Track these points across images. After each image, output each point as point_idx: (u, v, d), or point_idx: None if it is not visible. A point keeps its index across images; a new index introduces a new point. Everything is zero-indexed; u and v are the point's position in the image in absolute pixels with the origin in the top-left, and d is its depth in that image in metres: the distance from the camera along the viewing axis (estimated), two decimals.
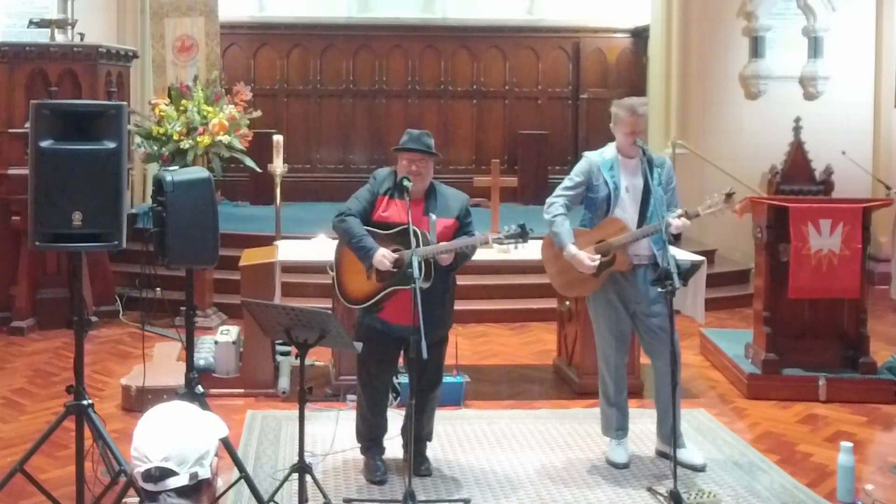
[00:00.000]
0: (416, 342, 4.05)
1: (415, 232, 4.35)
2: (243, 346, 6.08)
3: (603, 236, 4.74)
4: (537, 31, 12.33)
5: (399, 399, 5.49)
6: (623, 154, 4.82)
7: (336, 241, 4.73)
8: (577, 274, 4.83)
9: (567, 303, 6.27)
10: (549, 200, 4.90)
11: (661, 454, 4.97)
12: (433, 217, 4.46)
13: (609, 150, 4.87)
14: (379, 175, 4.68)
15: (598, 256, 4.72)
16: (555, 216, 4.82)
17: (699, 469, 4.78)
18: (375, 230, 4.53)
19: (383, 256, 4.43)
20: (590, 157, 4.92)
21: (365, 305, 4.56)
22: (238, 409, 5.67)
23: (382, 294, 4.50)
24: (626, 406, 4.98)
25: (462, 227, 4.61)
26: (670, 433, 4.66)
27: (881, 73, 10.15)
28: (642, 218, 4.76)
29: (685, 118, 10.14)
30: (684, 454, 4.82)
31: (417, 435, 4.61)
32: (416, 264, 4.20)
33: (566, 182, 4.92)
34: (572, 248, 4.75)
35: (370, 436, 4.76)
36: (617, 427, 4.93)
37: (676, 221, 4.66)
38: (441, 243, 4.48)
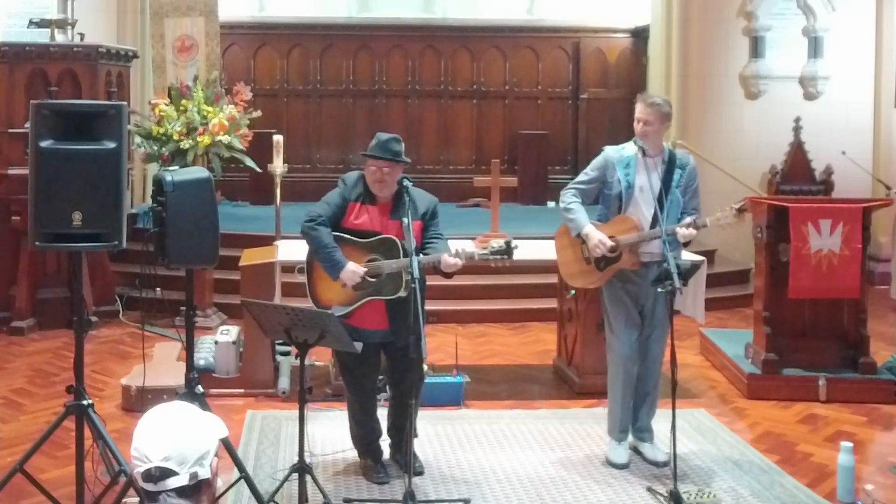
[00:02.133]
0: (416, 342, 4.06)
1: (392, 244, 4.38)
2: (243, 346, 6.08)
3: (613, 233, 4.76)
4: (537, 31, 12.33)
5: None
6: (643, 152, 4.81)
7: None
8: (582, 265, 4.88)
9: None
10: (562, 192, 4.95)
11: (631, 447, 5.02)
12: (406, 221, 4.36)
13: (630, 147, 4.86)
14: (349, 180, 4.61)
15: (610, 242, 4.72)
16: (569, 204, 4.86)
17: (661, 465, 4.82)
18: (352, 238, 4.50)
19: (353, 272, 4.41)
20: (608, 153, 4.92)
21: (340, 315, 4.45)
22: (238, 409, 5.68)
23: (357, 305, 4.48)
24: (631, 406, 4.98)
25: (426, 227, 4.59)
26: (642, 428, 4.95)
27: (881, 73, 10.15)
28: (656, 219, 4.73)
29: (685, 118, 10.13)
30: (649, 450, 4.93)
31: (409, 433, 4.61)
32: (415, 265, 4.21)
33: (581, 176, 4.96)
34: (588, 228, 4.77)
35: (366, 438, 4.76)
36: (621, 428, 4.94)
37: (683, 231, 4.64)
38: (428, 256, 4.46)
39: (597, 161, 4.93)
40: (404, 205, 4.43)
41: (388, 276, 4.40)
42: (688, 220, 4.68)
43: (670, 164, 4.78)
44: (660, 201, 4.69)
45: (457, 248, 4.49)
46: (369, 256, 4.48)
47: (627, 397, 4.93)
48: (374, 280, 4.44)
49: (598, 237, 4.73)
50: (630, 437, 5.04)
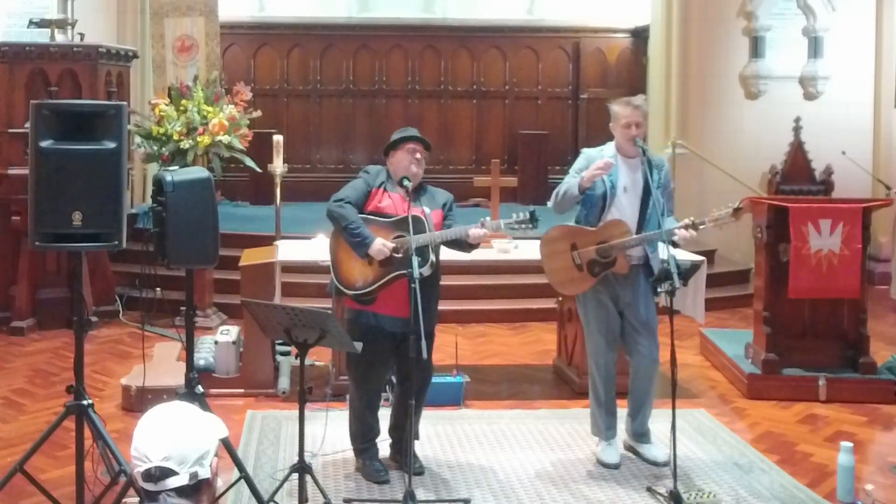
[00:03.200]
0: (416, 342, 4.06)
1: (417, 221, 4.40)
2: (243, 346, 6.08)
3: (606, 238, 4.72)
4: (537, 31, 12.33)
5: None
6: (622, 153, 4.81)
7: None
8: (573, 273, 4.81)
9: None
10: (555, 190, 4.90)
11: (629, 449, 5.01)
12: (427, 210, 4.53)
13: (609, 149, 4.87)
14: (372, 170, 4.74)
15: (610, 160, 4.69)
16: (558, 188, 4.85)
17: (662, 465, 4.81)
18: (377, 218, 4.56)
19: (382, 245, 4.46)
20: (588, 154, 4.92)
21: (367, 290, 4.53)
22: (238, 409, 5.68)
23: (386, 279, 4.49)
24: (615, 406, 4.97)
25: (445, 217, 4.67)
26: (639, 431, 4.94)
27: (881, 73, 10.15)
28: (642, 219, 4.76)
29: (685, 118, 10.14)
30: (648, 450, 4.92)
31: (409, 433, 4.62)
32: (415, 264, 4.22)
33: (567, 178, 4.90)
34: (582, 174, 4.72)
35: (366, 437, 4.76)
36: (606, 427, 4.94)
37: (683, 233, 4.61)
38: (446, 230, 4.52)
39: (579, 163, 4.91)
40: (424, 197, 4.58)
41: (415, 251, 4.38)
42: (686, 221, 4.64)
43: (650, 165, 4.77)
44: (646, 200, 4.69)
45: (482, 220, 4.54)
46: (395, 234, 4.52)
47: (610, 397, 4.91)
48: (400, 256, 4.45)
49: (595, 166, 4.65)
50: (628, 440, 5.04)
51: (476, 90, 12.33)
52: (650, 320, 4.85)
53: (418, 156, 4.62)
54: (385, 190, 4.64)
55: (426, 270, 4.37)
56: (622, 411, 5.03)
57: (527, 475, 4.75)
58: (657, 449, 4.92)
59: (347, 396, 5.52)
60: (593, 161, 4.82)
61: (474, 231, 4.49)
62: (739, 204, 4.65)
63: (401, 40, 12.26)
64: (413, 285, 4.15)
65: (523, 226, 4.52)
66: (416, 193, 4.61)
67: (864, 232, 5.94)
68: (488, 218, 4.61)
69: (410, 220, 4.38)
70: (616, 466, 4.83)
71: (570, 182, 4.77)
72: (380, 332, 4.55)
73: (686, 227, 4.61)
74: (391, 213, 4.58)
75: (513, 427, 5.41)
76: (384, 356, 4.67)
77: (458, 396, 5.76)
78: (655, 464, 4.84)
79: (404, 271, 4.38)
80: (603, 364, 4.88)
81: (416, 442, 4.78)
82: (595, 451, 4.97)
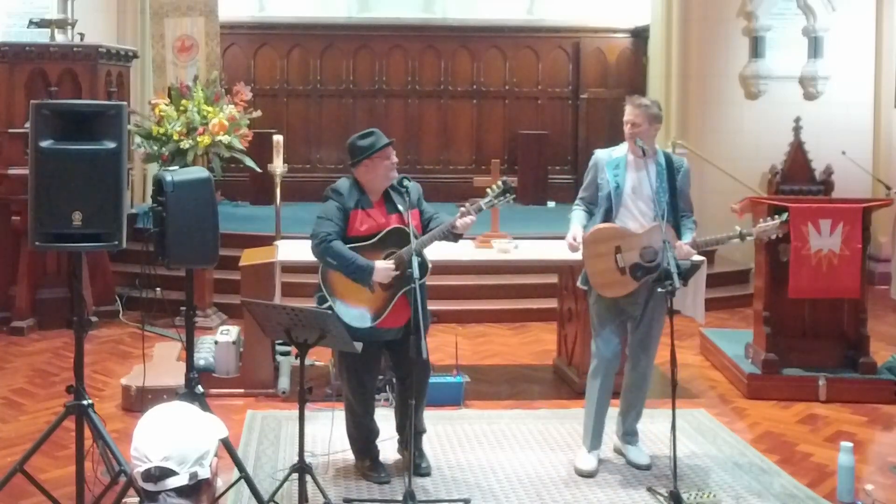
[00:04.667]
0: (417, 341, 4.06)
1: (403, 232, 4.37)
2: (243, 346, 6.08)
3: (651, 242, 4.64)
4: (537, 31, 12.32)
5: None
6: (634, 153, 4.81)
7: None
8: (616, 275, 4.71)
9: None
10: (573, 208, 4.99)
11: (616, 450, 5.01)
12: (406, 214, 4.44)
13: (620, 149, 4.87)
14: (342, 189, 4.55)
15: (578, 238, 4.79)
16: (572, 214, 4.91)
17: (644, 468, 4.81)
18: (361, 244, 4.47)
19: (385, 269, 4.39)
20: (597, 155, 4.94)
21: (381, 321, 4.48)
22: (238, 409, 5.68)
23: (394, 302, 4.46)
24: (605, 418, 4.92)
25: (422, 212, 4.63)
26: (628, 431, 4.94)
27: (881, 73, 10.15)
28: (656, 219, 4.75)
29: (685, 118, 10.14)
30: (632, 452, 4.91)
31: (416, 431, 4.62)
32: (415, 265, 4.22)
33: (583, 189, 4.98)
34: (572, 229, 4.83)
35: (366, 439, 4.76)
36: (594, 436, 4.86)
37: (684, 249, 4.62)
38: (434, 230, 4.47)
39: (589, 165, 4.96)
40: (398, 197, 4.51)
41: (413, 260, 4.36)
42: (733, 232, 4.70)
43: (669, 167, 4.76)
44: (660, 203, 4.68)
45: (462, 208, 4.48)
46: (385, 252, 4.48)
47: (604, 404, 4.85)
48: (399, 273, 4.41)
49: (569, 235, 4.80)
50: (616, 440, 5.03)
51: (476, 90, 12.33)
52: (658, 322, 4.82)
53: (394, 159, 4.56)
54: (361, 209, 4.52)
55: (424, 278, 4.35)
56: (612, 411, 4.98)
57: (527, 475, 4.75)
58: (641, 453, 4.91)
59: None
60: (600, 162, 4.85)
61: (461, 221, 4.44)
62: (786, 217, 4.69)
63: (401, 40, 12.25)
64: (414, 285, 4.15)
65: (501, 198, 4.53)
66: (389, 198, 4.56)
67: (864, 232, 5.94)
68: (467, 203, 4.50)
69: (411, 230, 4.35)
70: (591, 475, 4.74)
71: (574, 215, 4.90)
72: (372, 341, 4.52)
73: (730, 238, 4.70)
74: (374, 232, 4.49)
75: (513, 427, 5.41)
76: (377, 362, 4.69)
77: (458, 396, 5.76)
78: (638, 467, 4.83)
79: (407, 287, 4.37)
80: (605, 366, 4.81)
81: (423, 437, 4.80)
82: (575, 455, 4.90)
